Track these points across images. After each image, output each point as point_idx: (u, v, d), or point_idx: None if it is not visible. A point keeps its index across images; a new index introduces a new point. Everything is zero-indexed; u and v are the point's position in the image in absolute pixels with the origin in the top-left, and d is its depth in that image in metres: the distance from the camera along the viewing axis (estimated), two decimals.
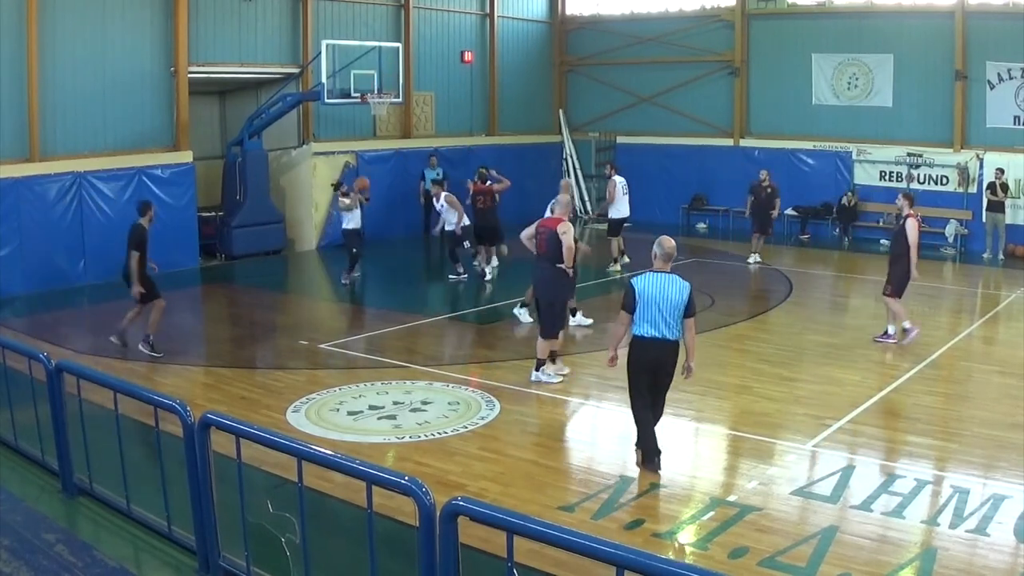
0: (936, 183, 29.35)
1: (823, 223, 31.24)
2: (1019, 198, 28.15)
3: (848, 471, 11.21)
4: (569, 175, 35.01)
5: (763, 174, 26.33)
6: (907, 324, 17.19)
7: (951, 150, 29.78)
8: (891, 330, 17.47)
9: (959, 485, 10.90)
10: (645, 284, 10.86)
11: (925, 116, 30.20)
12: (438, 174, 27.75)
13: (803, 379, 15.25)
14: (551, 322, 14.73)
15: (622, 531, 9.15)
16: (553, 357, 14.95)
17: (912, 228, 16.99)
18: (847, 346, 17.42)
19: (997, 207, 27.26)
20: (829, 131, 31.43)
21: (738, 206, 30.74)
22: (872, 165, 30.72)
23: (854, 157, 31.10)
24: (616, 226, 25.00)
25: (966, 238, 29.02)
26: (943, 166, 29.54)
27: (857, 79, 31.30)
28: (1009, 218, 27.71)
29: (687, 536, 9.30)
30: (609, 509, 9.72)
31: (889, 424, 13.25)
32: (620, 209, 25.07)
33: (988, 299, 22.84)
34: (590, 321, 18.11)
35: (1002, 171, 27.70)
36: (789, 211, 30.83)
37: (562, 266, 14.69)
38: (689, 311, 10.82)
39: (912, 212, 17.21)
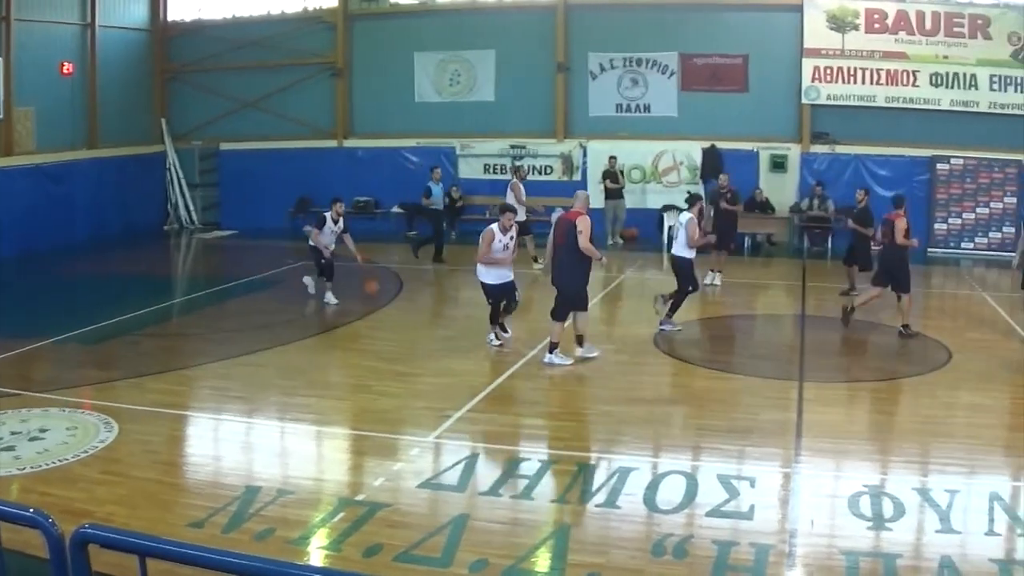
0: (540, 173, 30.48)
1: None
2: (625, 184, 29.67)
3: (473, 459, 11.54)
4: (172, 185, 34.10)
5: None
6: None
7: (554, 140, 31.07)
8: None
9: (584, 462, 11.44)
10: None
11: (528, 108, 31.43)
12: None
13: (420, 373, 15.50)
14: (566, 305, 15.89)
15: (254, 542, 9.04)
16: (580, 340, 16.12)
17: None
18: (461, 337, 17.88)
19: (616, 194, 28.53)
20: (433, 128, 32.11)
21: (344, 207, 30.90)
22: (476, 159, 31.65)
23: (458, 152, 31.93)
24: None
25: None
26: (547, 156, 30.78)
27: (459, 75, 32.16)
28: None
29: (319, 539, 9.30)
30: (239, 521, 9.58)
31: (509, 409, 13.73)
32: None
33: (604, 280, 23.81)
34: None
35: (615, 158, 29.03)
36: (396, 208, 31.24)
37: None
38: None
39: None
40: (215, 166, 34.46)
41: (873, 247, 19.92)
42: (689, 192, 21.78)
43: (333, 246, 20.87)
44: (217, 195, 34.61)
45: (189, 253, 30.97)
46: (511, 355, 16.20)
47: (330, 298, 20.66)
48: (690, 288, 18.37)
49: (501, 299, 16.77)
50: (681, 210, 29.52)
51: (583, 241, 15.33)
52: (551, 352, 15.84)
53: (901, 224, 18.24)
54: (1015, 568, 8.86)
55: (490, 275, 16.56)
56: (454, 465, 11.24)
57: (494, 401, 13.89)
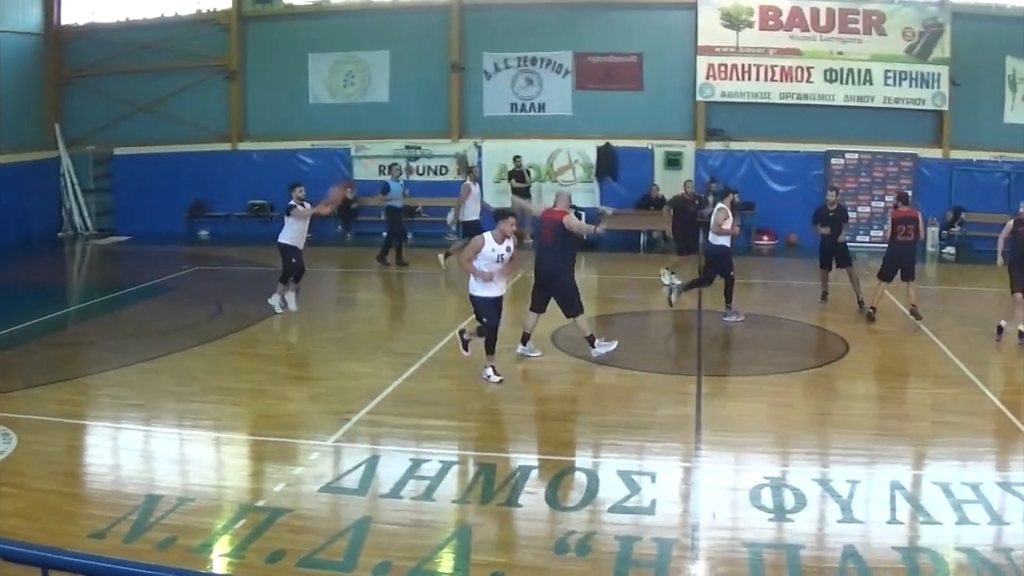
0: (435, 173, 30.55)
1: (325, 221, 31.56)
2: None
3: (373, 461, 11.59)
4: (67, 191, 33.47)
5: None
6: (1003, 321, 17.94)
7: (449, 140, 31.14)
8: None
9: (485, 462, 11.59)
10: None
11: (422, 109, 31.53)
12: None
13: (318, 377, 15.68)
14: (572, 301, 16.08)
15: (156, 551, 8.98)
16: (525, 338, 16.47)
17: None
18: (358, 340, 17.99)
19: (522, 193, 28.70)
20: (327, 129, 32.05)
21: (239, 211, 30.82)
22: (371, 160, 31.54)
23: (353, 153, 31.94)
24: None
25: None
26: (442, 156, 30.80)
27: (354, 76, 32.12)
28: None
29: (222, 547, 9.29)
30: (140, 530, 9.52)
31: (408, 411, 13.65)
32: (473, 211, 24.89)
33: None
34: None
35: (520, 158, 29.12)
36: None
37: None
38: None
39: None
40: (109, 171, 33.99)
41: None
42: (725, 186, 22.18)
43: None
44: (112, 200, 34.13)
45: (84, 260, 30.59)
46: (409, 356, 16.25)
47: (291, 301, 20.03)
48: (723, 275, 19.33)
49: (484, 315, 15.08)
50: (580, 210, 29.96)
51: (573, 221, 15.95)
52: (593, 345, 16.23)
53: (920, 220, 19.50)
54: (918, 555, 9.11)
55: (482, 287, 14.98)
56: (355, 468, 11.28)
57: (393, 403, 13.94)
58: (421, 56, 31.63)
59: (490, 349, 15.13)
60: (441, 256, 25.07)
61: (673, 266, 22.79)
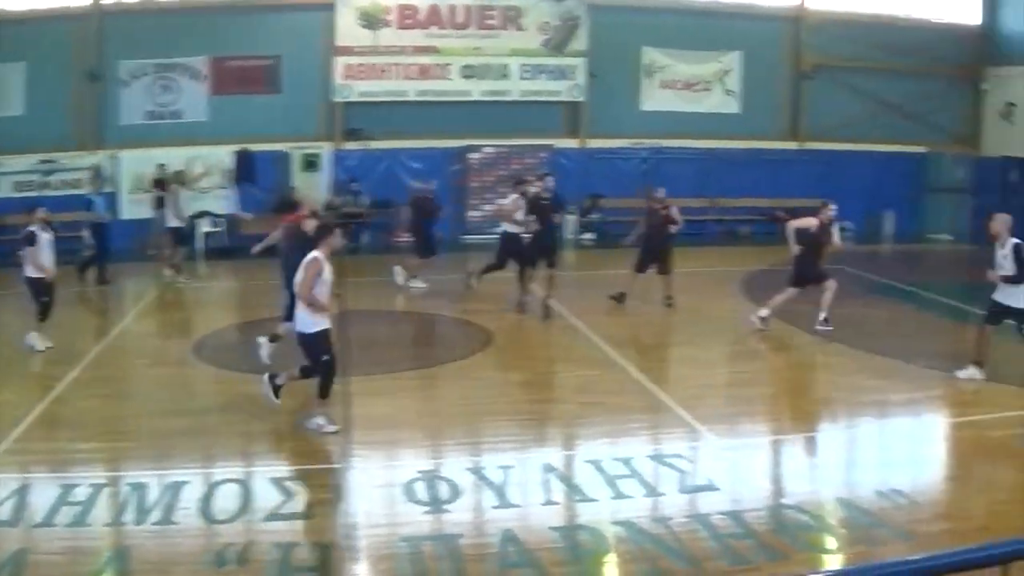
0: (74, 187, 29.56)
1: None
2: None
3: (23, 491, 11.27)
4: None
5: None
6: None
7: (86, 152, 30.18)
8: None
9: (136, 481, 11.46)
10: None
11: (58, 121, 30.11)
12: None
13: None
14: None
15: None
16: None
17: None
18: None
19: (163, 203, 28.05)
20: None
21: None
22: (5, 177, 30.27)
23: None
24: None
25: None
26: (80, 169, 29.78)
27: None
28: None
29: None
30: None
31: (55, 435, 13.44)
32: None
33: (137, 295, 23.81)
34: None
35: (164, 166, 28.39)
36: None
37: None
38: None
39: None
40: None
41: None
42: (520, 177, 22.43)
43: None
44: None
45: None
46: (52, 378, 15.78)
47: (35, 341, 17.48)
48: (498, 262, 20.55)
49: (325, 353, 13.27)
50: (215, 216, 29.59)
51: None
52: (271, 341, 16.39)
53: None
54: (577, 533, 9.74)
55: (319, 319, 13.12)
56: (5, 499, 10.96)
57: (39, 428, 13.61)
58: (58, 66, 30.52)
59: (326, 393, 13.33)
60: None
61: (414, 269, 22.99)
